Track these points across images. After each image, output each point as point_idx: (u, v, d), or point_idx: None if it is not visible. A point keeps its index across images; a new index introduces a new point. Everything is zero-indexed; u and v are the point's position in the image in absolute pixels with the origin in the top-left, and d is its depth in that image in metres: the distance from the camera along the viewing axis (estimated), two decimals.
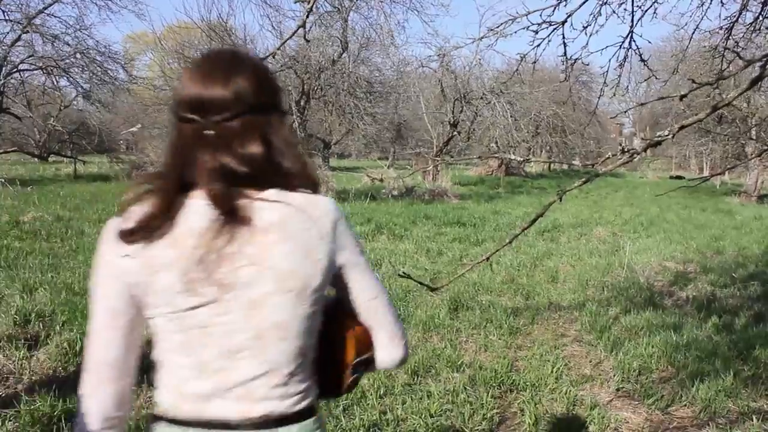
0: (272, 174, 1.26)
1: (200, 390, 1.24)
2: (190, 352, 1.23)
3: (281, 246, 1.21)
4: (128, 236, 1.22)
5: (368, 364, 1.40)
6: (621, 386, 4.55)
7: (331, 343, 1.35)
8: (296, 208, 1.24)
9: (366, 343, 1.39)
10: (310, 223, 1.25)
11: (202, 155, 1.23)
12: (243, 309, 1.21)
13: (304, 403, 1.29)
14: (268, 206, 1.23)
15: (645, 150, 1.75)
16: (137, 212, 1.23)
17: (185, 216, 1.22)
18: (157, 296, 1.22)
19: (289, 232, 1.22)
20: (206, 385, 1.24)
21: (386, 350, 1.39)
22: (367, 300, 1.37)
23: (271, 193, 1.24)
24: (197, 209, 1.22)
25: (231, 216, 1.20)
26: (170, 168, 1.26)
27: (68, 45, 22.08)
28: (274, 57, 14.95)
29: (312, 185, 1.31)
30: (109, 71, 23.21)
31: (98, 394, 1.26)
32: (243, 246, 1.20)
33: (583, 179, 1.95)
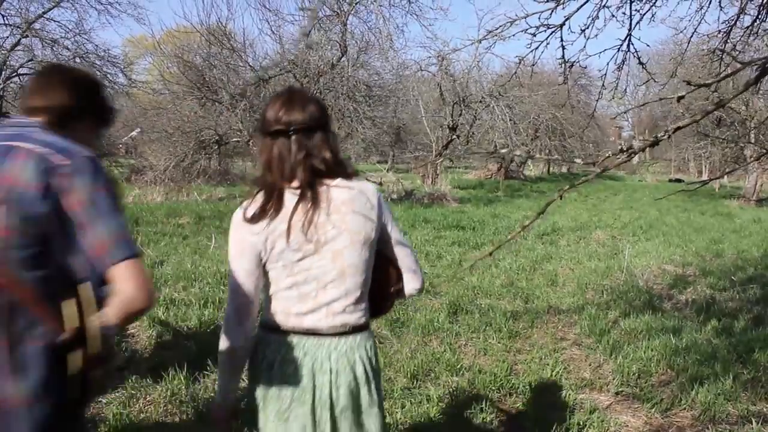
0: (338, 169, 1.93)
1: (301, 310, 1.91)
2: (296, 287, 1.90)
3: (351, 215, 1.89)
4: (254, 220, 1.84)
5: (399, 292, 2.09)
6: (620, 390, 4.54)
7: (377, 279, 2.02)
8: (357, 190, 1.93)
9: (398, 278, 2.08)
10: (365, 199, 1.93)
11: (295, 159, 1.87)
12: (330, 257, 1.88)
13: (363, 319, 1.98)
14: (339, 190, 1.90)
15: (643, 149, 1.75)
16: (255, 204, 1.87)
17: (288, 201, 1.85)
18: (275, 257, 1.86)
19: (355, 206, 1.90)
20: (305, 307, 1.90)
21: (411, 283, 2.09)
22: (399, 250, 2.06)
23: (339, 181, 1.91)
24: (295, 195, 1.86)
25: (317, 198, 1.86)
26: (272, 168, 1.89)
27: (68, 49, 22.07)
28: (277, 67, 14.98)
29: (357, 175, 2.00)
30: (108, 75, 23.18)
31: (243, 323, 1.92)
32: (328, 216, 1.87)
33: (583, 178, 1.96)
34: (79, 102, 1.86)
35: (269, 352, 1.95)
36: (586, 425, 3.97)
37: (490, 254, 2.29)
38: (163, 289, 6.67)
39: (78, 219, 1.59)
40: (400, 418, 3.93)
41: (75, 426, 1.72)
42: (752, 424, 3.94)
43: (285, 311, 1.93)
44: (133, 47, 40.76)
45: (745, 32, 4.96)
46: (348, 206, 1.89)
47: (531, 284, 7.95)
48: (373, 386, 1.97)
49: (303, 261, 1.87)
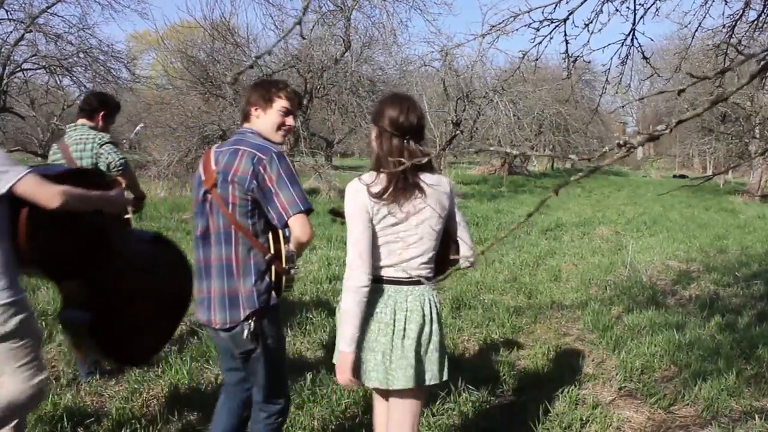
0: (428, 165, 2.60)
1: (389, 263, 2.54)
2: (386, 246, 2.52)
3: (433, 197, 2.53)
4: (375, 195, 2.45)
5: (456, 261, 2.70)
6: (623, 385, 4.54)
7: (441, 247, 2.65)
8: (436, 181, 2.58)
9: (456, 250, 2.71)
10: (443, 187, 2.60)
11: (405, 157, 2.47)
12: (415, 225, 2.52)
13: (431, 274, 2.62)
14: (428, 179, 2.54)
15: (642, 144, 1.72)
16: (380, 184, 2.48)
17: (395, 184, 2.47)
18: (378, 220, 2.48)
19: (436, 192, 2.55)
20: (390, 261, 2.54)
21: (466, 254, 2.72)
22: (461, 229, 2.73)
23: (426, 174, 2.55)
24: (399, 179, 2.48)
25: (414, 183, 2.50)
26: (388, 160, 2.49)
27: (71, 44, 22.08)
28: (270, 55, 14.94)
29: (435, 170, 2.66)
30: (112, 70, 23.20)
31: (365, 263, 2.45)
32: (418, 196, 2.50)
33: (581, 174, 1.94)
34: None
35: None
36: (588, 420, 3.96)
37: (482, 253, 2.28)
38: None
39: (271, 190, 2.63)
40: None
41: (274, 311, 2.80)
42: (755, 420, 3.93)
43: (376, 264, 2.52)
44: (137, 42, 40.83)
45: (750, 27, 4.94)
46: (432, 191, 2.53)
47: (534, 280, 7.95)
48: (435, 325, 2.62)
49: (395, 226, 2.51)
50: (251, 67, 15.11)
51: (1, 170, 2.51)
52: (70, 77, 23.12)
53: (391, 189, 2.47)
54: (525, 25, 4.08)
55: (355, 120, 18.59)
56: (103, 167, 4.32)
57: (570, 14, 4.01)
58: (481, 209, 15.89)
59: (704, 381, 4.46)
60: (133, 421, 3.72)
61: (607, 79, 4.84)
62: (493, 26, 4.45)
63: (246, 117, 2.91)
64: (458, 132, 20.48)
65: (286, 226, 2.66)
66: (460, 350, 5.14)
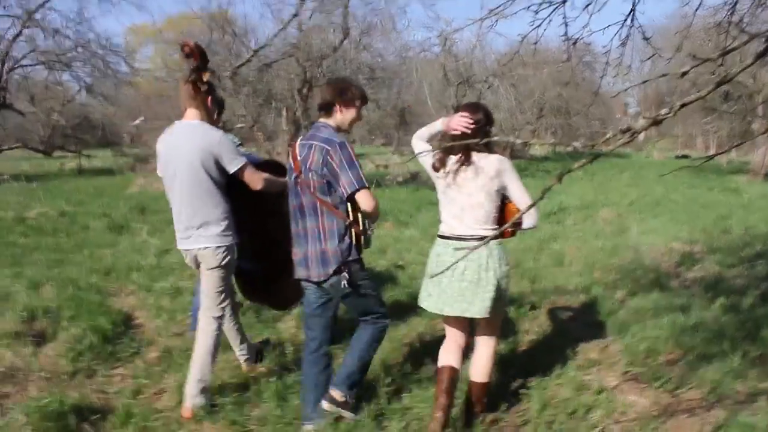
0: (483, 147, 3.43)
1: (449, 222, 3.56)
2: (447, 207, 3.57)
3: (484, 173, 3.43)
4: (438, 165, 3.56)
5: (517, 224, 3.46)
6: (628, 369, 4.53)
7: (501, 211, 3.55)
8: (489, 160, 3.45)
9: (516, 213, 3.49)
10: (492, 164, 3.44)
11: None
12: (467, 193, 3.48)
13: (491, 233, 3.34)
14: (480, 159, 3.44)
15: (646, 128, 1.70)
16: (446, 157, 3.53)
17: (451, 160, 3.51)
18: (438, 184, 3.61)
19: (488, 168, 3.43)
20: (451, 221, 3.55)
21: (528, 219, 3.51)
22: (519, 197, 3.51)
23: (480, 154, 3.46)
24: (456, 159, 3.49)
25: (468, 159, 3.45)
26: (454, 143, 3.42)
27: (69, 39, 22.06)
28: (268, 45, 14.90)
29: (491, 151, 3.53)
30: (110, 64, 23.20)
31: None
32: (472, 171, 3.44)
33: (584, 160, 1.91)
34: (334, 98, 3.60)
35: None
36: (593, 406, 3.96)
37: (486, 242, 2.24)
38: (169, 278, 6.68)
39: (337, 173, 3.38)
40: (407, 403, 3.93)
41: (357, 262, 3.57)
42: (761, 402, 3.92)
43: (440, 222, 3.63)
44: (135, 35, 40.67)
45: (752, 3, 4.88)
46: (484, 168, 3.43)
47: (538, 264, 7.93)
48: (491, 273, 3.43)
49: (450, 192, 3.52)
50: (249, 60, 15.06)
51: (233, 157, 3.78)
52: (69, 72, 23.13)
53: (456, 158, 3.57)
54: (524, 8, 4.04)
55: None
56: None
57: None
58: None
59: (709, 363, 4.45)
60: (140, 417, 3.72)
61: (607, 61, 4.79)
62: (492, 10, 4.40)
63: (328, 112, 3.59)
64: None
65: (350, 200, 3.42)
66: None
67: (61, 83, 25.06)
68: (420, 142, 3.70)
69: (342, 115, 3.60)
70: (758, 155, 24.77)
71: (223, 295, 3.94)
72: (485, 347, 3.77)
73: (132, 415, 3.75)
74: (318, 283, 3.57)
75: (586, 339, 5.25)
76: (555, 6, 4.03)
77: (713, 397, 4.08)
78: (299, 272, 3.64)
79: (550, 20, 4.15)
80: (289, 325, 5.45)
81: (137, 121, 26.05)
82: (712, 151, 35.36)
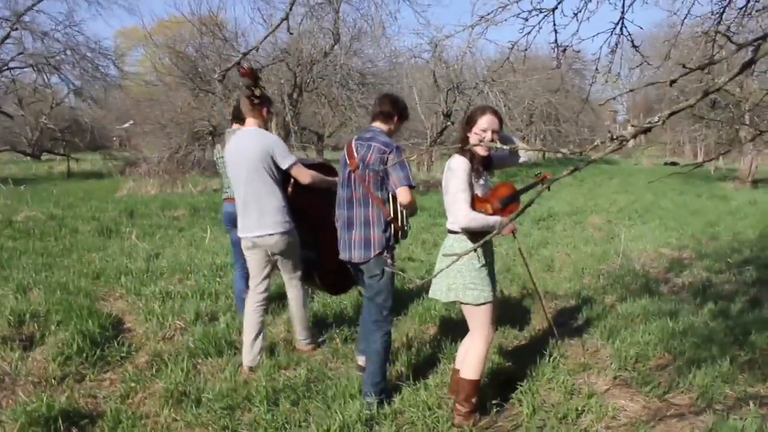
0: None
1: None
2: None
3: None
4: (472, 170, 3.70)
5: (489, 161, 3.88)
6: (618, 374, 4.54)
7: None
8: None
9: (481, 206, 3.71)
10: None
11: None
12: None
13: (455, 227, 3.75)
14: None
15: (635, 137, 1.72)
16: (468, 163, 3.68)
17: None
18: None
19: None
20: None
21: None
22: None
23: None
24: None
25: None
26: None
27: (58, 41, 21.98)
28: (257, 51, 14.88)
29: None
30: (100, 67, 23.13)
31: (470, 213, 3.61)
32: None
33: (572, 168, 1.93)
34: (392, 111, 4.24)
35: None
36: (584, 410, 3.97)
37: (475, 250, 2.24)
38: (158, 282, 6.65)
39: (389, 171, 3.95)
40: (398, 407, 3.92)
41: (393, 249, 4.18)
42: (749, 406, 3.94)
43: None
44: (125, 39, 40.62)
45: (739, 13, 4.93)
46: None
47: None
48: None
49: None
50: (238, 63, 15.03)
51: (286, 155, 4.51)
52: (58, 75, 23.01)
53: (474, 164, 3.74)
54: (514, 15, 4.07)
55: (345, 113, 18.53)
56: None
57: (559, 3, 4.00)
58: None
59: (698, 368, 4.47)
60: (129, 422, 3.70)
61: (597, 68, 4.82)
62: (482, 17, 4.43)
63: (384, 120, 4.23)
64: (449, 123, 20.46)
65: (395, 195, 4.03)
66: (454, 342, 5.13)
67: (49, 86, 24.94)
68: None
69: (395, 126, 4.29)
70: (745, 163, 24.99)
71: (298, 267, 4.81)
72: (467, 339, 4.08)
73: (121, 420, 3.72)
74: (357, 265, 4.14)
75: (576, 344, 5.27)
76: (545, 13, 4.06)
77: (702, 401, 4.10)
78: (342, 255, 4.23)
79: (540, 27, 4.19)
80: (279, 330, 5.44)
81: (126, 125, 25.98)
82: (700, 159, 35.61)
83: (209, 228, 10.15)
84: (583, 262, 8.35)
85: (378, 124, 4.21)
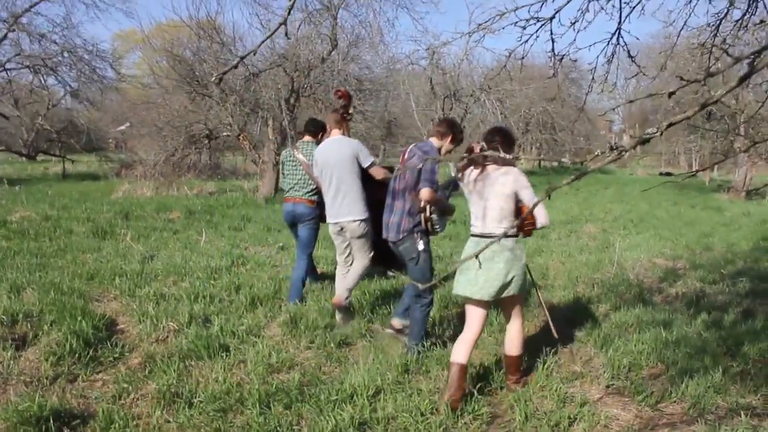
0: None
1: (475, 223, 4.31)
2: (474, 207, 4.35)
3: (501, 179, 4.21)
4: (462, 171, 4.51)
5: (534, 224, 4.30)
6: (611, 383, 4.55)
7: (518, 211, 4.24)
8: (503, 171, 4.23)
9: (529, 213, 4.21)
10: (505, 175, 4.22)
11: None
12: (485, 198, 4.24)
13: (508, 230, 4.05)
14: (495, 169, 4.26)
15: (634, 147, 1.73)
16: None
17: (470, 171, 4.43)
18: (467, 188, 4.42)
19: (500, 178, 4.22)
20: (476, 221, 4.31)
21: (540, 218, 4.25)
22: (529, 200, 4.14)
23: (493, 166, 4.27)
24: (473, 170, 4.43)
25: (483, 173, 4.30)
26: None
27: (55, 43, 21.96)
28: (255, 54, 14.91)
29: (507, 164, 4.34)
30: (97, 69, 23.11)
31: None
32: (489, 178, 4.23)
33: (573, 177, 1.94)
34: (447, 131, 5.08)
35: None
36: (576, 418, 3.97)
37: (476, 256, 2.24)
38: (152, 284, 6.64)
39: (421, 173, 4.71)
40: (391, 412, 3.92)
41: (425, 235, 4.98)
42: (741, 417, 3.95)
43: (472, 223, 4.36)
44: (123, 41, 40.58)
45: (734, 26, 4.96)
46: (495, 177, 4.23)
47: None
48: (500, 264, 4.16)
49: (473, 196, 4.32)
50: (236, 67, 15.08)
51: (367, 156, 5.68)
52: (55, 77, 22.99)
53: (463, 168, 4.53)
54: (511, 24, 4.09)
55: None
56: None
57: (556, 13, 4.03)
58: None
59: (691, 378, 4.48)
60: (121, 422, 3.69)
61: (593, 78, 4.85)
62: (480, 25, 4.46)
63: (440, 137, 5.08)
64: None
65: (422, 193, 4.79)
66: (448, 348, 5.14)
67: (46, 87, 24.91)
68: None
69: (447, 144, 5.10)
70: (740, 174, 25.08)
71: (370, 249, 5.75)
72: (513, 324, 4.54)
73: (113, 420, 3.71)
74: (393, 243, 5.07)
75: (569, 352, 5.28)
76: (542, 22, 4.08)
77: (694, 411, 4.11)
78: (383, 234, 5.18)
79: (537, 36, 4.21)
80: (274, 332, 5.44)
81: (123, 127, 25.96)
82: (695, 170, 35.70)
83: (204, 231, 10.15)
84: (578, 270, 8.37)
85: (433, 139, 5.13)
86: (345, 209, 5.59)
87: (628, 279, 7.81)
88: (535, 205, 2.64)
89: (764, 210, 18.59)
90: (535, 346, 5.26)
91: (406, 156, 5.17)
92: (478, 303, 4.26)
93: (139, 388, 4.23)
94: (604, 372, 4.73)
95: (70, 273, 6.92)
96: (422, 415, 3.90)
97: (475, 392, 4.20)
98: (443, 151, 5.10)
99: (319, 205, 6.27)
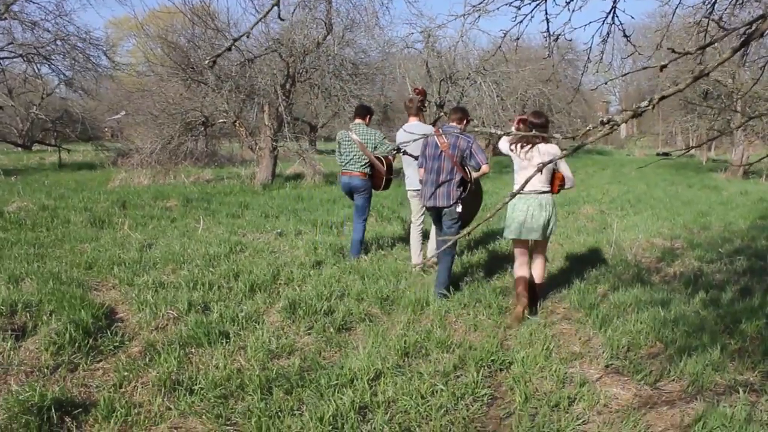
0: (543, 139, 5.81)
1: (518, 184, 5.67)
2: (523, 172, 5.75)
3: (546, 151, 5.70)
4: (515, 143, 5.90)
5: (562, 185, 5.82)
6: (610, 363, 4.58)
7: (553, 176, 5.83)
8: (548, 146, 5.76)
9: (562, 178, 5.82)
10: (551, 149, 5.75)
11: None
12: (534, 165, 5.46)
13: (548, 188, 5.77)
14: (542, 145, 5.73)
15: (626, 121, 1.72)
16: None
17: (520, 145, 5.90)
18: (517, 157, 5.87)
19: (546, 150, 5.72)
20: (520, 181, 5.57)
21: (568, 183, 5.84)
22: (564, 169, 5.85)
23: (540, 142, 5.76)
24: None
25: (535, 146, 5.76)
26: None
27: (48, 31, 21.79)
28: (249, 38, 14.83)
29: (548, 142, 5.90)
30: (91, 58, 22.93)
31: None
32: (539, 150, 5.70)
33: (564, 152, 1.93)
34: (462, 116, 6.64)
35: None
36: (576, 398, 4.00)
37: (468, 234, 2.23)
38: (151, 272, 6.65)
39: (473, 154, 6.24)
40: (392, 396, 3.94)
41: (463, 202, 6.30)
42: (739, 393, 3.98)
43: (516, 184, 5.79)
44: (116, 29, 40.39)
45: (730, 3, 4.94)
46: (543, 150, 5.66)
47: None
48: (545, 213, 5.70)
49: (522, 163, 5.76)
50: (229, 49, 14.98)
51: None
52: (49, 65, 22.86)
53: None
54: (506, 4, 4.08)
55: (338, 103, 18.46)
56: (380, 152, 7.72)
57: None
58: None
59: (689, 357, 4.51)
60: (122, 410, 3.70)
61: (588, 58, 4.84)
62: (475, 6, 4.43)
63: (459, 121, 6.55)
64: (442, 114, 20.45)
65: (478, 169, 6.28)
66: (447, 332, 5.16)
67: (40, 76, 24.74)
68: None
69: (463, 126, 6.54)
70: (737, 153, 25.08)
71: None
72: (540, 260, 6.05)
73: (114, 408, 3.73)
74: (440, 209, 6.26)
75: (568, 332, 5.30)
76: (537, 2, 4.06)
77: (693, 389, 4.14)
78: (429, 203, 6.34)
79: (532, 16, 4.20)
80: (273, 319, 5.45)
81: (118, 116, 25.86)
82: (692, 151, 35.72)
83: (202, 218, 10.14)
84: (576, 251, 8.39)
85: (455, 123, 6.56)
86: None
87: (626, 259, 7.82)
88: (505, 204, 2.87)
89: (761, 188, 18.62)
90: (533, 327, 5.29)
91: (445, 139, 6.27)
92: (525, 243, 5.95)
93: (139, 376, 4.24)
94: (603, 352, 4.76)
95: (68, 263, 6.91)
96: (423, 398, 3.92)
97: (475, 375, 4.22)
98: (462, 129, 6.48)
99: (371, 177, 7.78)
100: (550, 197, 5.74)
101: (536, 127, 5.71)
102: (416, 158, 7.05)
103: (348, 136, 7.77)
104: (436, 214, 6.39)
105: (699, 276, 7.00)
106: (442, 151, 6.22)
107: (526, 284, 5.79)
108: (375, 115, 29.51)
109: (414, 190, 7.36)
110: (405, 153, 7.41)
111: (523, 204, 5.70)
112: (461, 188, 6.20)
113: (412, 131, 7.20)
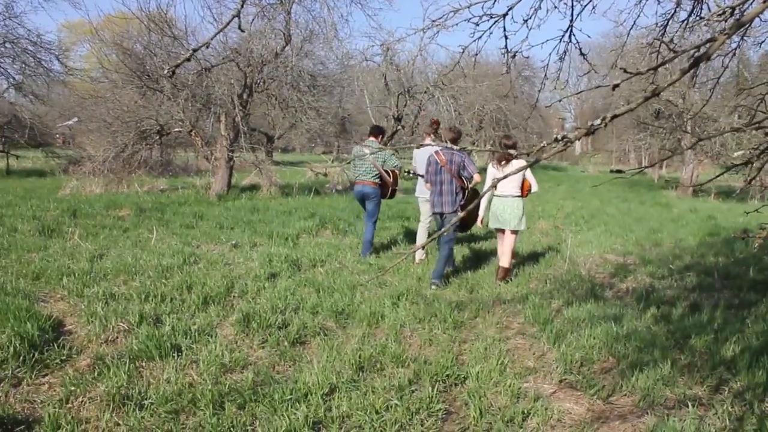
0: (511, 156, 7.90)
1: (501, 189, 7.98)
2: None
3: (517, 164, 7.57)
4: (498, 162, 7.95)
5: (530, 189, 8.04)
6: (564, 378, 4.61)
7: (522, 183, 7.98)
8: (518, 160, 7.67)
9: (530, 185, 8.02)
10: (519, 163, 7.55)
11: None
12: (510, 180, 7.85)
13: (520, 192, 7.95)
14: (514, 159, 7.74)
15: (579, 138, 1.74)
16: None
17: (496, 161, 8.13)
18: (491, 172, 7.91)
19: (516, 164, 7.62)
20: (500, 187, 7.96)
21: (533, 187, 8.04)
22: (529, 177, 7.98)
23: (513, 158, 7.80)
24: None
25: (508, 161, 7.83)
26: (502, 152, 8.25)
27: None
28: (208, 47, 14.70)
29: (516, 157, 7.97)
30: (42, 62, 22.45)
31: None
32: (511, 164, 7.72)
33: (519, 167, 1.95)
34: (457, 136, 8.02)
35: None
36: (530, 413, 4.01)
37: (422, 247, 2.21)
38: (102, 283, 6.48)
39: (465, 166, 7.62)
40: (346, 411, 3.90)
41: (461, 209, 7.62)
42: (689, 407, 4.04)
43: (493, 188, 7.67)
44: (70, 33, 39.61)
45: (681, 26, 5.07)
46: (514, 163, 7.66)
47: (476, 274, 8.02)
48: (517, 211, 7.88)
49: (499, 174, 7.68)
50: (188, 59, 14.79)
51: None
52: None
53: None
54: (465, 20, 4.10)
55: (296, 115, 18.39)
56: (389, 166, 9.06)
57: (509, 10, 4.05)
58: None
59: (641, 371, 4.57)
60: (68, 427, 3.59)
61: (545, 75, 4.91)
62: (434, 21, 4.46)
63: (454, 142, 7.76)
64: (400, 127, 20.54)
65: (470, 179, 7.59)
66: (402, 346, 5.14)
67: None
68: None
69: (458, 144, 7.84)
70: (687, 172, 25.75)
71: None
72: (508, 248, 7.83)
73: (60, 425, 3.61)
74: (445, 214, 7.56)
75: (523, 347, 5.33)
76: (495, 19, 4.10)
77: (644, 403, 4.19)
78: (436, 209, 7.68)
79: (491, 33, 4.24)
80: (227, 332, 5.36)
81: (70, 122, 25.29)
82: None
83: (155, 229, 9.96)
84: (531, 266, 8.47)
85: (451, 144, 7.38)
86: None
87: (580, 275, 7.93)
88: (467, 210, 2.96)
89: (710, 206, 19.12)
90: (487, 341, 5.31)
91: (443, 156, 7.61)
92: (503, 231, 7.89)
93: (87, 391, 4.12)
94: (557, 367, 4.79)
95: (14, 273, 6.70)
96: (377, 413, 3.89)
97: (430, 389, 4.21)
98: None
99: (380, 186, 8.97)
100: (521, 200, 7.84)
101: (509, 148, 7.98)
102: (421, 176, 8.57)
103: (362, 151, 9.05)
104: (440, 217, 7.71)
105: (650, 292, 7.12)
106: (441, 167, 7.58)
107: (505, 273, 7.78)
108: (332, 127, 29.58)
109: (422, 197, 8.76)
110: (415, 174, 8.92)
111: (501, 203, 7.87)
112: (460, 194, 7.56)
113: (427, 151, 8.36)
